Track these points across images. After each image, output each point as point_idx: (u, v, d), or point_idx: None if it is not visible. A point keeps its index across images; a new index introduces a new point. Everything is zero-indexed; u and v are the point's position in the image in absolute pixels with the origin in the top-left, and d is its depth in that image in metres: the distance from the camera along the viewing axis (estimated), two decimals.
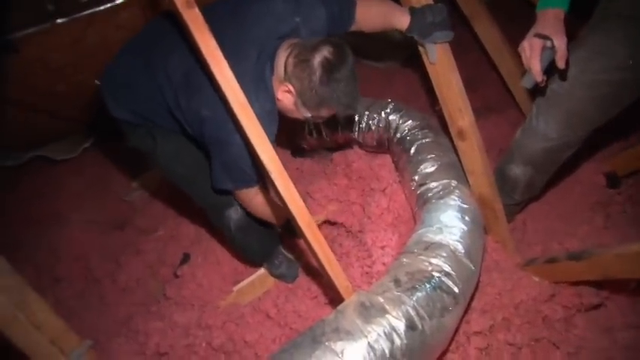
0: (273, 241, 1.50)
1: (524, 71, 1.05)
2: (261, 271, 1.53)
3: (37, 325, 0.86)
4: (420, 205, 1.26)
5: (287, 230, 1.51)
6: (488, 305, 1.17)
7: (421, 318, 0.94)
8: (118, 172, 2.18)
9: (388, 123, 1.52)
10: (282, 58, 1.04)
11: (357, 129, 1.60)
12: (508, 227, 1.36)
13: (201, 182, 1.24)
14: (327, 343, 0.90)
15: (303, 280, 1.52)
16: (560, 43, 0.97)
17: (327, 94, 1.01)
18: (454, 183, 1.22)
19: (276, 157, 0.89)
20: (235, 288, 1.49)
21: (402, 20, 1.14)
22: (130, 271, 1.69)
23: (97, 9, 1.31)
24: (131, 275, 1.68)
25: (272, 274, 1.53)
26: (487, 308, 1.17)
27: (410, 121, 1.47)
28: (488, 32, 1.89)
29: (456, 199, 1.18)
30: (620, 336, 1.18)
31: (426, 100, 2.04)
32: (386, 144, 1.55)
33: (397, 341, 0.91)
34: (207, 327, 1.37)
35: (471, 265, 1.06)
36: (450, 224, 1.12)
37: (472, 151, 1.25)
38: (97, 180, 2.17)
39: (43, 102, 1.67)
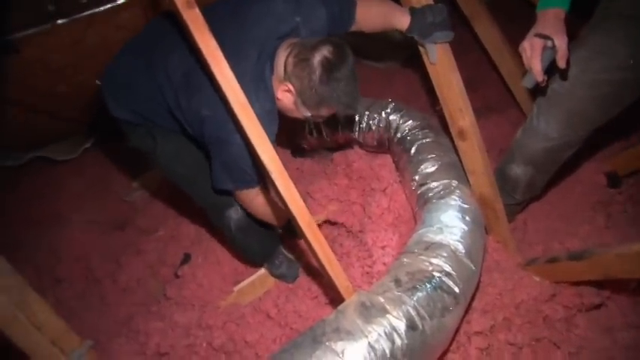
0: (274, 241, 1.50)
1: (524, 71, 1.05)
2: (262, 271, 1.53)
3: (37, 326, 0.86)
4: (420, 205, 1.26)
5: (287, 231, 1.51)
6: (489, 305, 1.17)
7: (422, 318, 0.94)
8: (119, 173, 2.19)
9: (389, 123, 1.52)
10: (282, 57, 1.04)
11: (357, 129, 1.60)
12: (509, 227, 1.36)
13: (202, 182, 1.24)
14: (327, 343, 0.90)
15: (303, 280, 1.52)
16: (560, 42, 0.97)
17: (327, 93, 1.01)
18: (455, 183, 1.22)
19: (277, 157, 0.89)
20: (236, 288, 1.49)
21: (402, 20, 1.14)
22: (131, 272, 1.69)
23: (98, 9, 1.31)
24: (132, 275, 1.68)
25: (272, 274, 1.53)
26: (488, 308, 1.16)
27: (410, 121, 1.47)
28: (488, 32, 1.89)
29: (457, 199, 1.18)
30: (620, 336, 1.18)
31: (426, 100, 2.04)
32: (386, 144, 1.55)
33: (398, 341, 0.91)
34: (207, 327, 1.37)
35: (472, 265, 1.06)
36: (450, 224, 1.11)
37: (473, 151, 1.25)
38: (98, 180, 2.17)
39: (43, 102, 1.68)
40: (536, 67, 1.00)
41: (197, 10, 0.86)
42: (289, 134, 1.82)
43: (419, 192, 1.28)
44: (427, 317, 0.95)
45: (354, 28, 1.21)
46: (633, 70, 1.02)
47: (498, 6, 2.00)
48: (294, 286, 1.51)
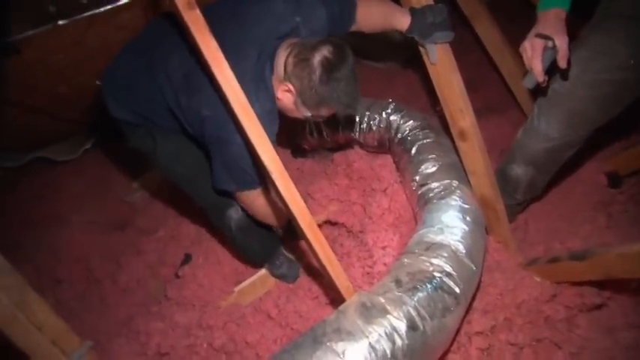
0: (274, 241, 1.50)
1: (525, 71, 1.05)
2: (262, 271, 1.52)
3: (37, 326, 0.85)
4: (421, 205, 1.25)
5: (288, 232, 1.51)
6: (490, 305, 1.17)
7: (422, 318, 0.94)
8: (119, 173, 2.19)
9: (389, 123, 1.52)
10: (282, 57, 1.04)
11: (357, 129, 1.60)
12: (510, 227, 1.35)
13: (202, 182, 1.24)
14: (328, 344, 0.90)
15: (304, 280, 1.52)
16: (561, 43, 0.97)
17: (327, 93, 1.01)
18: (455, 183, 1.22)
19: (277, 158, 0.89)
20: (236, 288, 1.49)
21: (402, 21, 1.14)
22: (131, 272, 1.69)
23: (98, 10, 1.31)
24: (132, 276, 1.68)
25: (273, 275, 1.53)
26: (489, 308, 1.16)
27: (411, 122, 1.47)
28: (488, 32, 1.89)
29: (457, 199, 1.18)
30: (622, 336, 1.17)
31: (426, 101, 2.04)
32: (387, 144, 1.55)
33: (398, 342, 0.91)
34: (208, 327, 1.37)
35: (473, 266, 1.06)
36: (451, 224, 1.11)
37: (473, 151, 1.25)
38: (98, 181, 2.17)
39: (43, 103, 1.68)
40: (537, 67, 1.00)
41: (198, 11, 0.86)
42: (290, 134, 1.82)
43: (419, 192, 1.28)
44: (428, 318, 0.95)
45: (354, 28, 1.22)
46: (634, 70, 1.02)
47: (498, 6, 2.00)
48: (294, 287, 1.51)
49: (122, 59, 1.18)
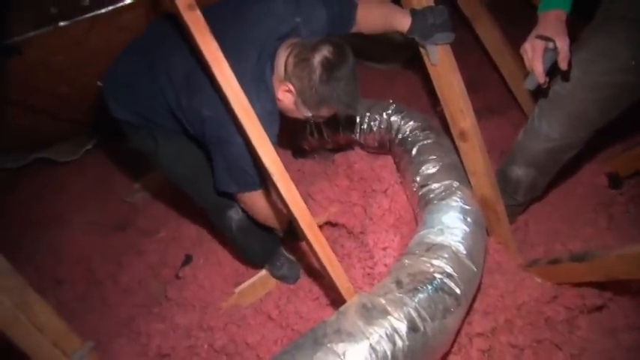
0: (275, 242, 1.50)
1: (526, 73, 1.05)
2: (263, 272, 1.52)
3: (38, 327, 0.85)
4: (421, 206, 1.25)
5: (289, 234, 1.51)
6: (491, 307, 1.16)
7: (423, 319, 0.94)
8: (120, 174, 2.19)
9: (390, 124, 1.52)
10: (282, 57, 1.04)
11: (358, 130, 1.60)
12: (510, 228, 1.35)
13: (203, 183, 1.24)
14: (328, 345, 0.90)
15: (304, 281, 1.52)
16: (562, 44, 0.97)
17: (327, 92, 1.02)
18: (456, 184, 1.22)
19: (278, 159, 0.89)
20: (237, 289, 1.49)
21: (402, 22, 1.14)
22: (132, 273, 1.69)
23: (99, 11, 1.31)
24: (133, 276, 1.69)
25: (273, 276, 1.53)
26: (489, 310, 1.16)
27: (411, 122, 1.47)
28: (489, 33, 1.89)
29: (458, 200, 1.18)
30: (623, 337, 1.17)
31: (427, 102, 2.04)
32: (387, 145, 1.55)
33: (399, 343, 0.91)
34: (208, 328, 1.37)
35: (473, 267, 1.06)
36: (451, 225, 1.11)
37: (474, 152, 1.25)
38: (99, 181, 2.17)
39: (45, 104, 1.68)
40: (538, 68, 1.00)
41: (198, 12, 0.86)
42: (290, 135, 1.82)
43: (420, 193, 1.28)
44: (428, 319, 0.95)
45: (354, 29, 1.22)
46: (634, 72, 1.02)
47: (499, 7, 2.01)
48: (295, 288, 1.51)
49: (123, 60, 1.19)
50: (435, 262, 1.03)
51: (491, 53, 1.93)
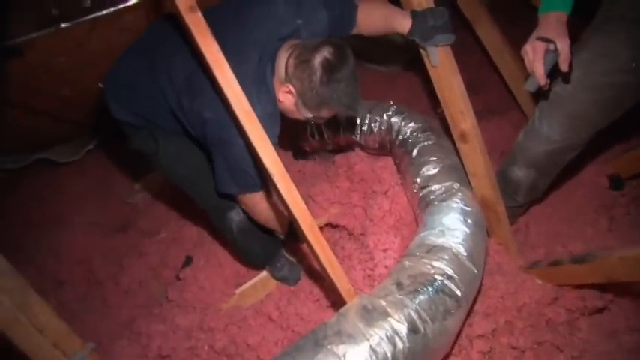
0: (275, 243, 1.50)
1: (527, 75, 1.05)
2: (263, 273, 1.52)
3: (39, 328, 0.85)
4: (422, 207, 1.25)
5: (289, 235, 1.51)
6: (491, 308, 1.16)
7: (423, 321, 0.94)
8: (121, 175, 2.19)
9: (390, 125, 1.52)
10: (282, 59, 1.04)
11: (359, 131, 1.60)
12: (511, 230, 1.35)
13: (204, 184, 1.25)
14: (329, 346, 0.90)
15: (305, 282, 1.52)
16: (563, 46, 0.97)
17: (328, 94, 1.02)
18: (456, 185, 1.22)
19: (279, 160, 0.89)
20: (237, 290, 1.49)
21: (403, 24, 1.14)
22: (133, 274, 1.69)
23: (101, 13, 1.32)
24: (133, 277, 1.69)
25: (274, 277, 1.53)
26: (490, 311, 1.16)
27: (412, 124, 1.47)
28: (489, 34, 1.89)
29: (459, 201, 1.18)
30: (623, 339, 1.17)
31: (427, 103, 2.04)
32: (388, 146, 1.55)
33: (399, 344, 0.91)
34: (209, 330, 1.37)
35: (474, 268, 1.06)
36: (452, 227, 1.11)
37: (474, 153, 1.24)
38: (100, 182, 2.18)
39: (46, 106, 1.68)
40: (539, 70, 1.00)
41: (199, 14, 0.86)
42: (291, 136, 1.82)
43: (420, 195, 1.28)
44: (429, 320, 0.95)
45: (355, 31, 1.22)
46: (635, 73, 1.02)
47: (499, 8, 2.01)
48: (295, 289, 1.51)
49: (124, 61, 1.19)
50: (436, 263, 1.03)
51: (491, 54, 1.93)
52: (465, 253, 1.06)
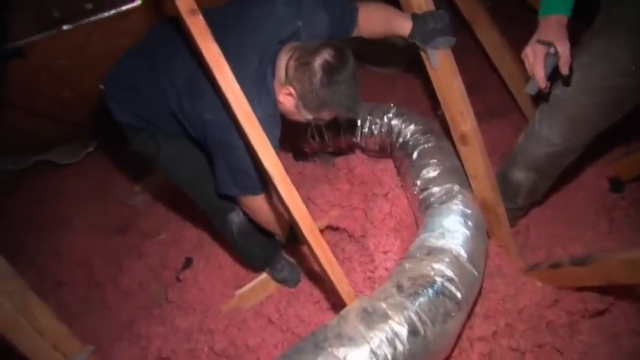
0: (275, 245, 1.50)
1: (527, 78, 1.05)
2: (263, 275, 1.52)
3: (39, 330, 0.86)
4: (422, 209, 1.25)
5: (290, 238, 1.51)
6: (492, 310, 1.16)
7: (424, 324, 0.94)
8: (121, 176, 2.19)
9: (390, 127, 1.52)
10: (283, 61, 1.04)
11: (359, 133, 1.60)
12: (511, 232, 1.35)
13: (204, 185, 1.25)
14: (329, 349, 0.90)
15: (305, 284, 1.52)
16: (563, 49, 0.97)
17: (328, 96, 1.02)
18: (456, 187, 1.22)
19: (279, 163, 0.89)
20: (237, 292, 1.49)
21: (403, 26, 1.14)
22: (133, 275, 1.69)
23: (102, 15, 1.32)
24: (133, 279, 1.69)
25: (274, 279, 1.53)
26: (490, 314, 1.16)
27: (412, 126, 1.47)
28: (489, 36, 1.89)
29: (459, 203, 1.18)
30: (624, 342, 1.17)
31: (428, 105, 2.04)
32: (388, 149, 1.55)
33: (400, 347, 0.91)
34: (209, 331, 1.37)
35: (474, 271, 1.06)
36: (452, 229, 1.11)
37: (474, 155, 1.24)
38: (100, 184, 2.18)
39: (47, 108, 1.69)
40: (539, 73, 1.00)
41: (200, 17, 0.87)
42: (291, 138, 1.82)
43: (421, 197, 1.28)
44: (429, 323, 0.95)
45: (355, 33, 1.22)
46: (635, 76, 1.02)
47: (499, 10, 2.01)
48: (295, 291, 1.51)
49: (125, 63, 1.19)
50: (436, 265, 1.03)
51: (491, 56, 1.93)
52: (466, 256, 1.06)
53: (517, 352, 1.14)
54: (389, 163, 1.55)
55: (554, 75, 1.04)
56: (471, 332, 1.14)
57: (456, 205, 1.17)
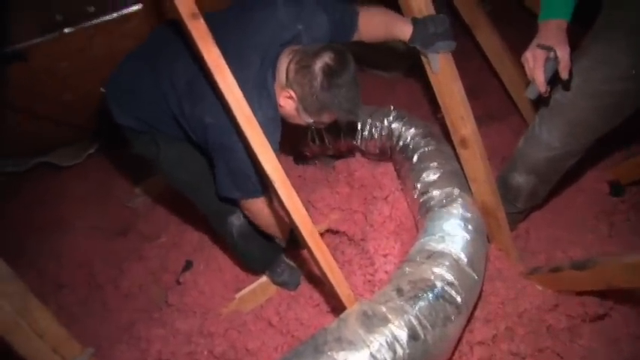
0: (275, 248, 1.50)
1: (527, 82, 1.06)
2: (263, 278, 1.52)
3: (39, 333, 0.85)
4: (422, 213, 1.25)
5: (290, 241, 1.51)
6: (492, 314, 1.16)
7: (424, 327, 0.94)
8: (122, 178, 2.19)
9: (391, 131, 1.52)
10: (283, 64, 1.05)
11: (359, 137, 1.60)
12: (511, 235, 1.35)
13: (205, 188, 1.25)
14: (329, 353, 0.90)
15: (305, 287, 1.52)
16: (563, 53, 0.97)
17: (328, 99, 1.02)
18: (457, 191, 1.22)
19: (279, 166, 0.89)
20: (237, 295, 1.49)
21: (404, 30, 1.15)
22: (133, 278, 1.69)
23: (104, 19, 1.33)
24: (134, 281, 1.69)
25: (274, 282, 1.53)
26: (490, 317, 1.16)
27: (412, 129, 1.47)
28: (489, 40, 1.90)
29: (459, 207, 1.18)
30: (624, 347, 1.16)
31: (428, 109, 2.05)
32: (388, 152, 1.55)
33: (399, 351, 0.91)
34: (209, 334, 1.36)
35: (474, 274, 1.06)
36: (452, 233, 1.11)
37: (474, 159, 1.25)
38: (101, 186, 2.18)
39: (49, 110, 1.69)
40: (539, 78, 1.00)
41: (202, 21, 0.87)
42: (292, 141, 1.83)
43: (421, 200, 1.28)
44: (429, 327, 0.95)
45: (356, 37, 1.22)
46: (635, 80, 1.02)
47: (499, 14, 2.02)
48: (295, 294, 1.51)
49: (126, 66, 1.19)
50: (436, 269, 1.03)
51: (491, 60, 1.93)
52: (466, 259, 1.06)
53: (517, 357, 1.13)
54: (389, 167, 1.55)
55: (554, 79, 1.04)
56: (471, 336, 1.14)
57: (456, 209, 1.17)
